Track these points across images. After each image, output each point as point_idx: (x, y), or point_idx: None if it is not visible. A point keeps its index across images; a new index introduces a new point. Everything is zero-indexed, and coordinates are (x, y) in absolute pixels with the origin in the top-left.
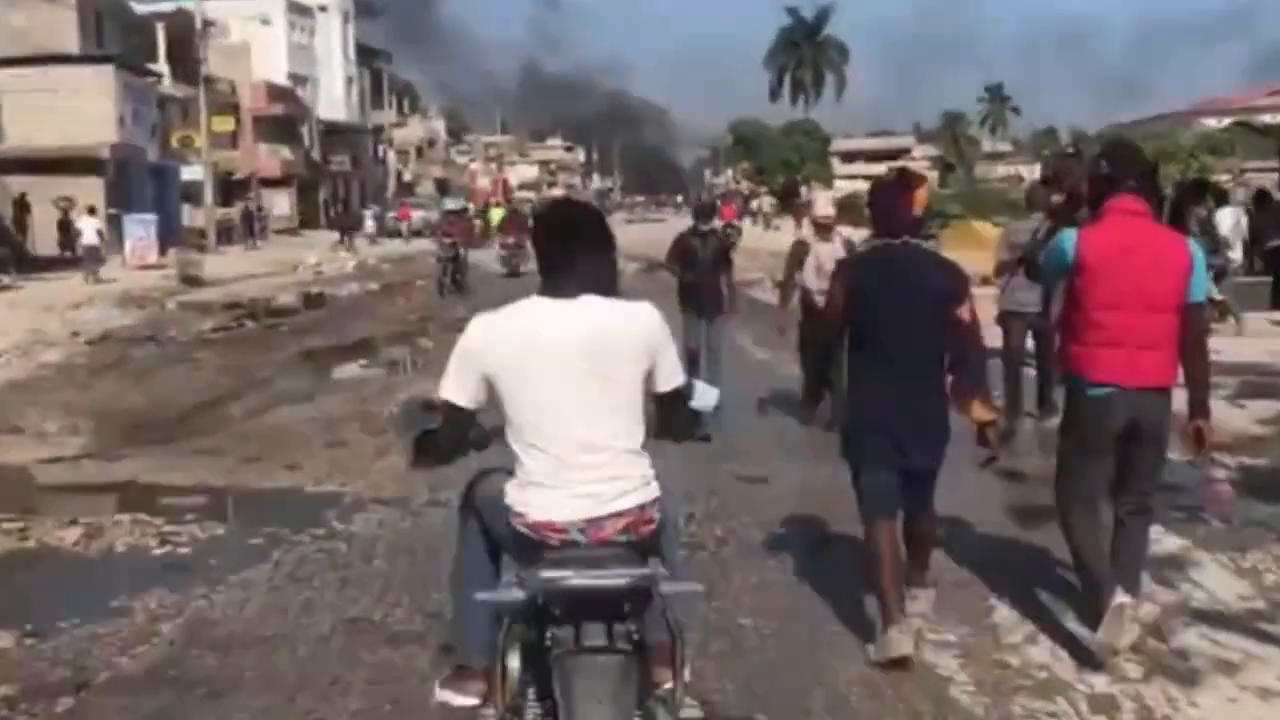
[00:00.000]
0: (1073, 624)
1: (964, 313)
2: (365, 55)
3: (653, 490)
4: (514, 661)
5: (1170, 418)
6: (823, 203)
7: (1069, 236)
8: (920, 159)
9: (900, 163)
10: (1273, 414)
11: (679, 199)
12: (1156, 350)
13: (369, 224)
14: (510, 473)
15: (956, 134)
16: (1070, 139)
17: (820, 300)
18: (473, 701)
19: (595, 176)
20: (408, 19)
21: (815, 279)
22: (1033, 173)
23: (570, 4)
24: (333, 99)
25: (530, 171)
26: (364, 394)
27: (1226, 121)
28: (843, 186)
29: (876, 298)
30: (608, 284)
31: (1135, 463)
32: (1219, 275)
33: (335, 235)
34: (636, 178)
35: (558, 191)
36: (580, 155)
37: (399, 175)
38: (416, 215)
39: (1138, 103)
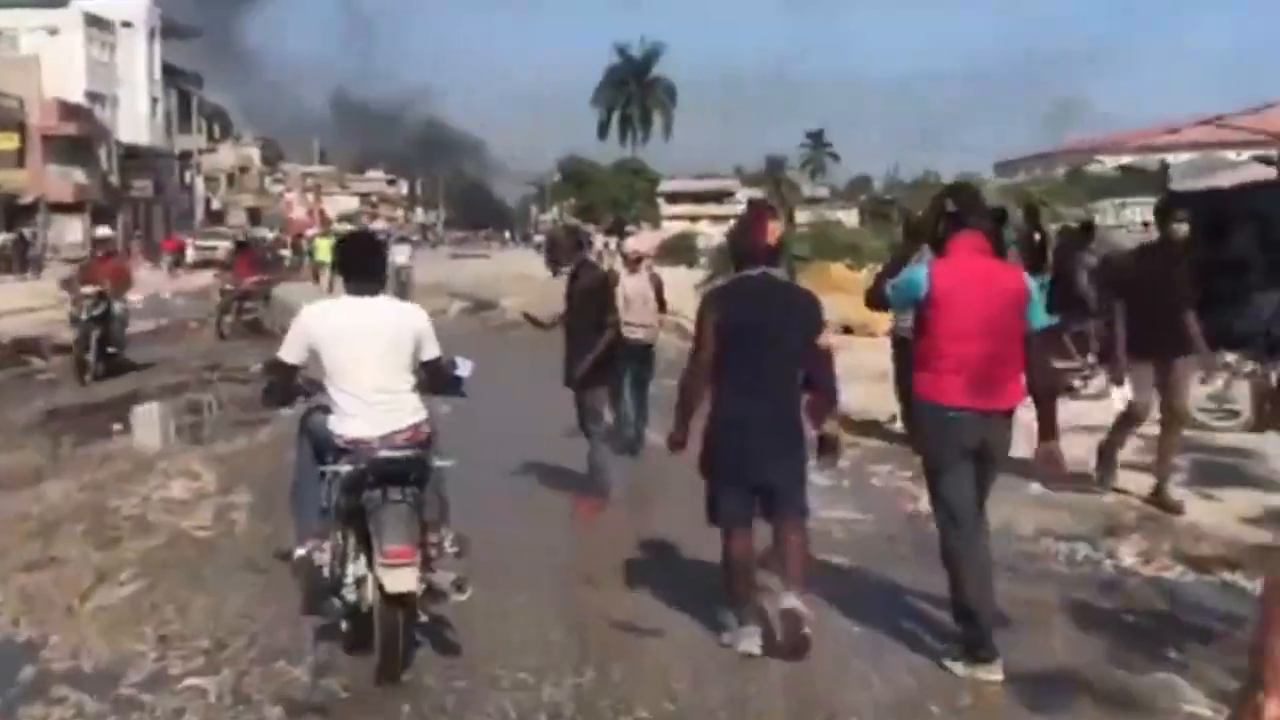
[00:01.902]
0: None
1: (823, 341)
2: (173, 76)
3: (423, 414)
4: (339, 520)
5: (1013, 437)
6: (632, 241)
7: (920, 270)
8: (743, 203)
9: (724, 205)
10: (1259, 509)
11: (505, 234)
12: (1000, 376)
13: (165, 258)
14: (328, 410)
15: (778, 178)
16: (884, 186)
17: (626, 330)
18: (311, 543)
19: (419, 210)
20: (219, 42)
21: (623, 310)
22: (850, 218)
23: (389, 35)
24: (135, 120)
25: (350, 203)
26: (106, 477)
27: (1123, 160)
28: (669, 227)
29: (742, 326)
30: (382, 286)
31: (978, 479)
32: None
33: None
34: (461, 213)
35: (379, 224)
36: (403, 188)
37: (208, 203)
38: (221, 246)
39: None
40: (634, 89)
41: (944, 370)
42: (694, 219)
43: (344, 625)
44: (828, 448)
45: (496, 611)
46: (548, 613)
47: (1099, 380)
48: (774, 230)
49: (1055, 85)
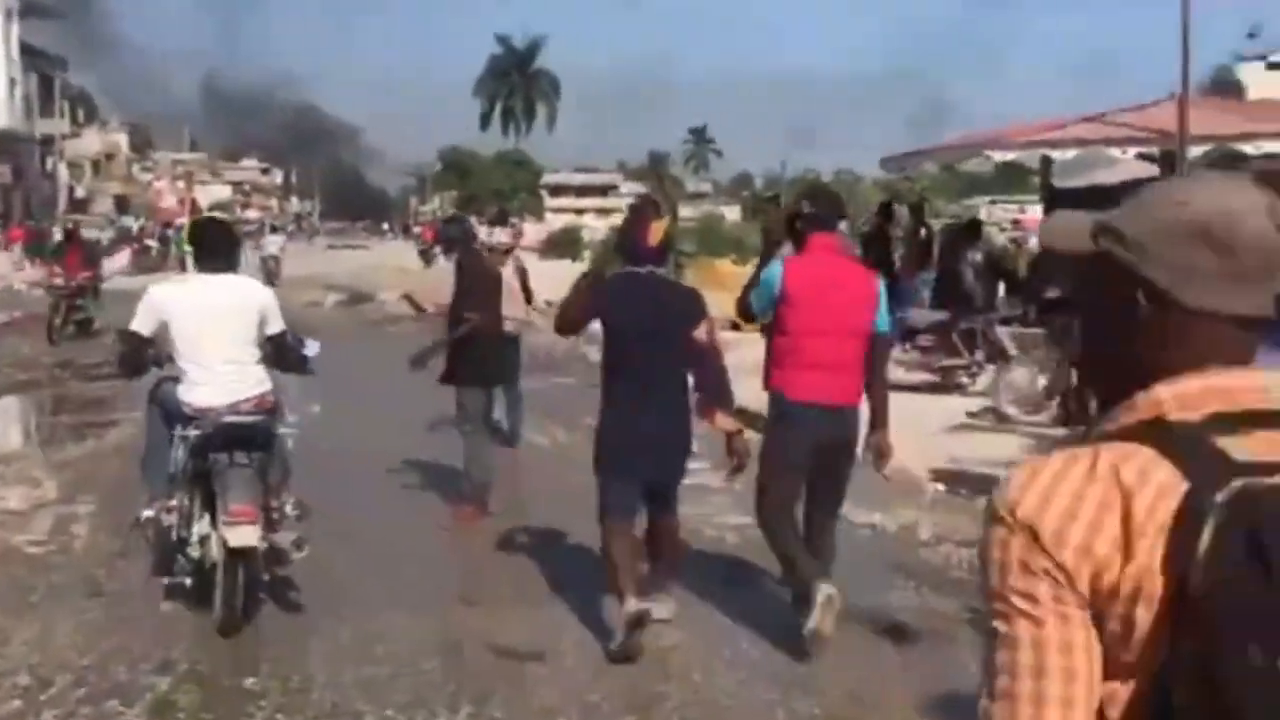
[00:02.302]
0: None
1: (701, 334)
2: (33, 58)
3: (268, 384)
4: (186, 482)
5: (859, 433)
6: (498, 233)
7: (775, 269)
8: (627, 196)
9: (608, 199)
10: None
11: (384, 226)
12: (848, 373)
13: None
14: (177, 380)
15: (661, 173)
16: (765, 183)
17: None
18: (158, 505)
19: (294, 200)
20: (84, 23)
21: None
22: (733, 213)
23: (262, 17)
24: None
25: (223, 192)
26: None
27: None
28: (553, 220)
29: (624, 320)
30: (235, 266)
31: (831, 471)
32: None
33: None
34: (338, 203)
35: (252, 214)
36: (278, 178)
37: (71, 190)
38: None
39: (823, 151)
40: (517, 80)
41: (795, 365)
42: (578, 212)
43: (188, 582)
44: (734, 450)
45: (363, 637)
46: (421, 638)
47: (985, 377)
48: (658, 229)
49: (928, 85)
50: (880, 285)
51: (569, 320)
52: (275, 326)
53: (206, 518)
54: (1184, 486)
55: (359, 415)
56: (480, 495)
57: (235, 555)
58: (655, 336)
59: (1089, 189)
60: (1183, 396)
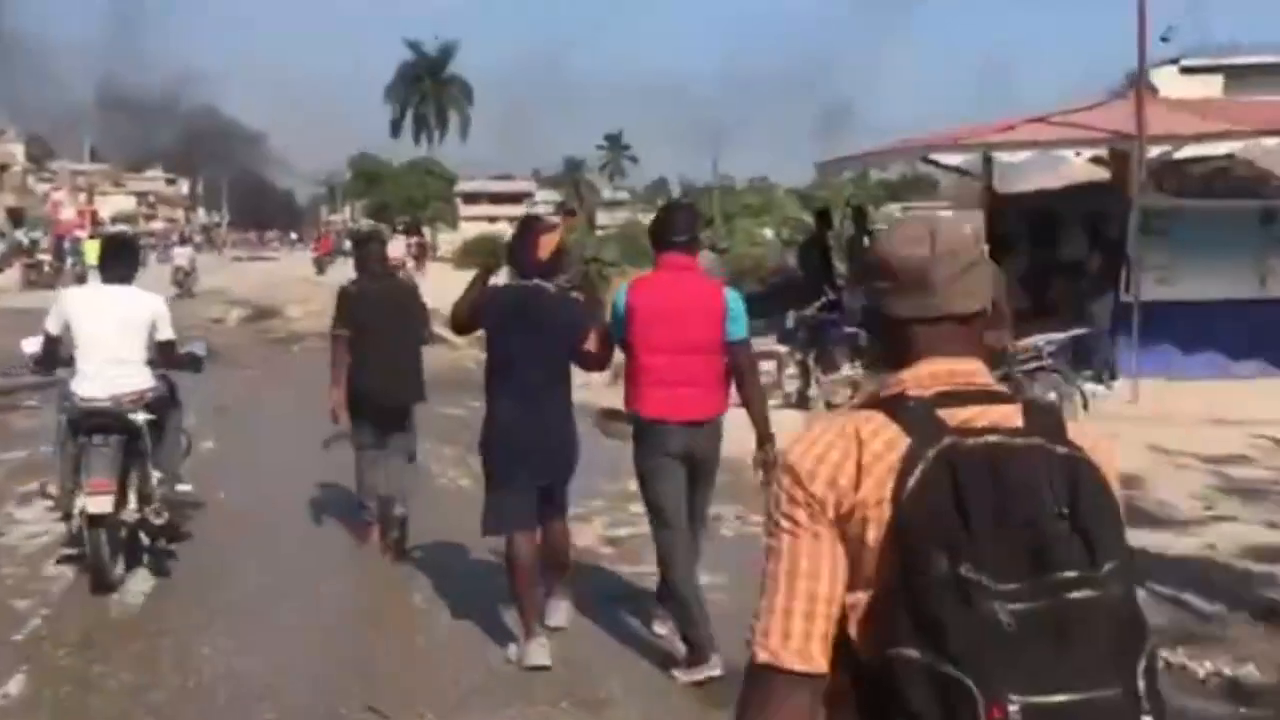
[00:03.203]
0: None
1: (591, 343)
2: None
3: (150, 381)
4: (69, 461)
5: (720, 446)
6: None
7: (621, 291)
8: (542, 203)
9: (523, 206)
10: None
11: (293, 235)
12: (700, 387)
13: None
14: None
15: (577, 180)
16: (681, 190)
17: None
18: (55, 491)
19: (200, 211)
20: None
21: None
22: (648, 219)
23: (160, 20)
24: None
25: (126, 203)
26: None
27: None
28: (467, 228)
29: (506, 331)
30: (130, 277)
31: (695, 483)
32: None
33: None
34: (247, 212)
35: (157, 225)
36: (184, 188)
37: None
38: None
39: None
40: (428, 86)
41: (644, 384)
42: (492, 220)
43: (75, 550)
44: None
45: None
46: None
47: None
48: (548, 243)
49: (834, 89)
50: (729, 297)
51: (460, 321)
52: (165, 334)
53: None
54: (907, 441)
55: (263, 445)
56: (375, 513)
57: (94, 522)
58: (536, 343)
59: (1033, 193)
60: (916, 378)
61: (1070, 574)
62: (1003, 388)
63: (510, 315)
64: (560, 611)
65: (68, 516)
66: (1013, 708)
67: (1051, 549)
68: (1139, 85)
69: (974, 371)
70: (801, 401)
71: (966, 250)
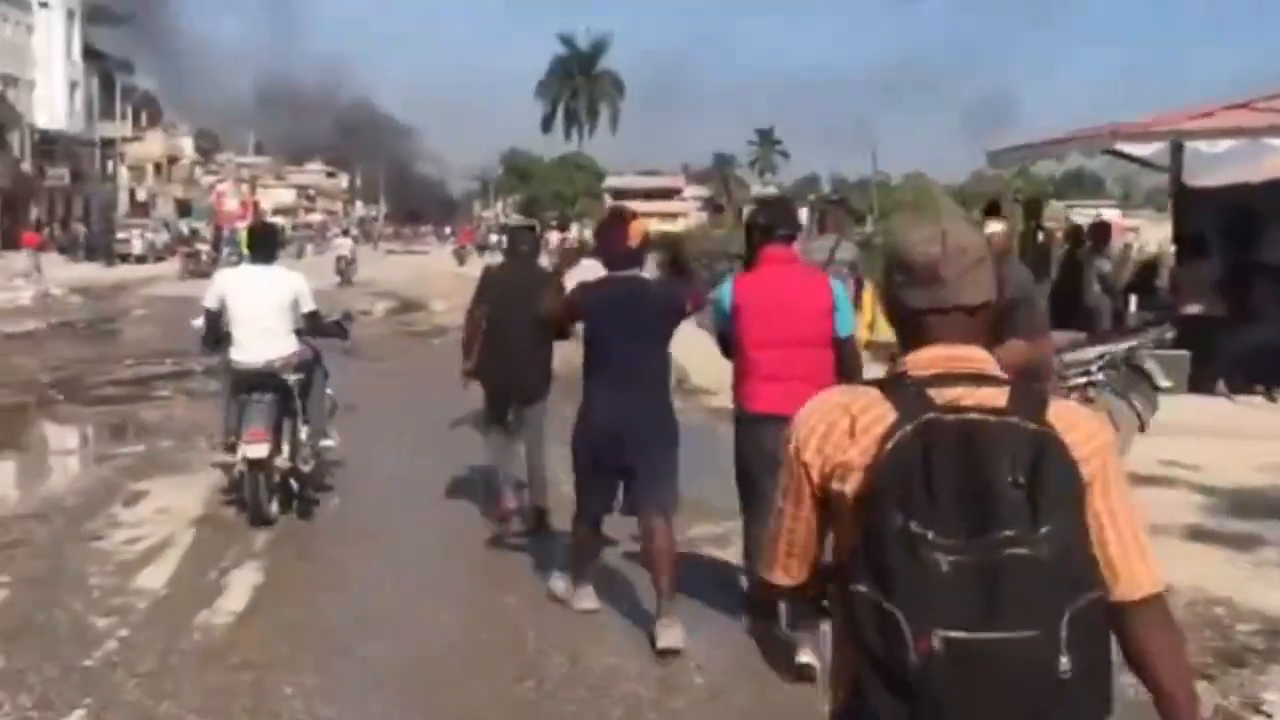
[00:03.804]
0: None
1: (691, 306)
2: (96, 60)
3: (297, 346)
4: (234, 415)
5: None
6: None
7: (727, 286)
8: (690, 199)
9: (672, 203)
10: None
11: (446, 230)
12: (809, 382)
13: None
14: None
15: (726, 175)
16: (832, 186)
17: None
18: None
19: (359, 204)
20: (151, 27)
21: None
22: (801, 216)
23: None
24: (52, 105)
25: (286, 195)
26: None
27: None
28: None
29: (602, 319)
30: (274, 258)
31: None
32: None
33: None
34: (403, 206)
35: (315, 217)
36: (343, 182)
37: (132, 193)
38: (141, 240)
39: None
40: (580, 81)
41: (753, 378)
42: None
43: (234, 496)
44: None
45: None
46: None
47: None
48: (636, 232)
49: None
50: (835, 290)
51: (552, 318)
52: (308, 306)
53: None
54: (894, 416)
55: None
56: (512, 495)
57: (252, 466)
58: (631, 329)
59: (1230, 188)
60: (917, 362)
61: (1009, 533)
62: (997, 372)
63: (607, 303)
64: (670, 633)
65: (229, 466)
66: (936, 641)
67: (998, 512)
68: None
69: (972, 357)
70: None
71: (974, 248)
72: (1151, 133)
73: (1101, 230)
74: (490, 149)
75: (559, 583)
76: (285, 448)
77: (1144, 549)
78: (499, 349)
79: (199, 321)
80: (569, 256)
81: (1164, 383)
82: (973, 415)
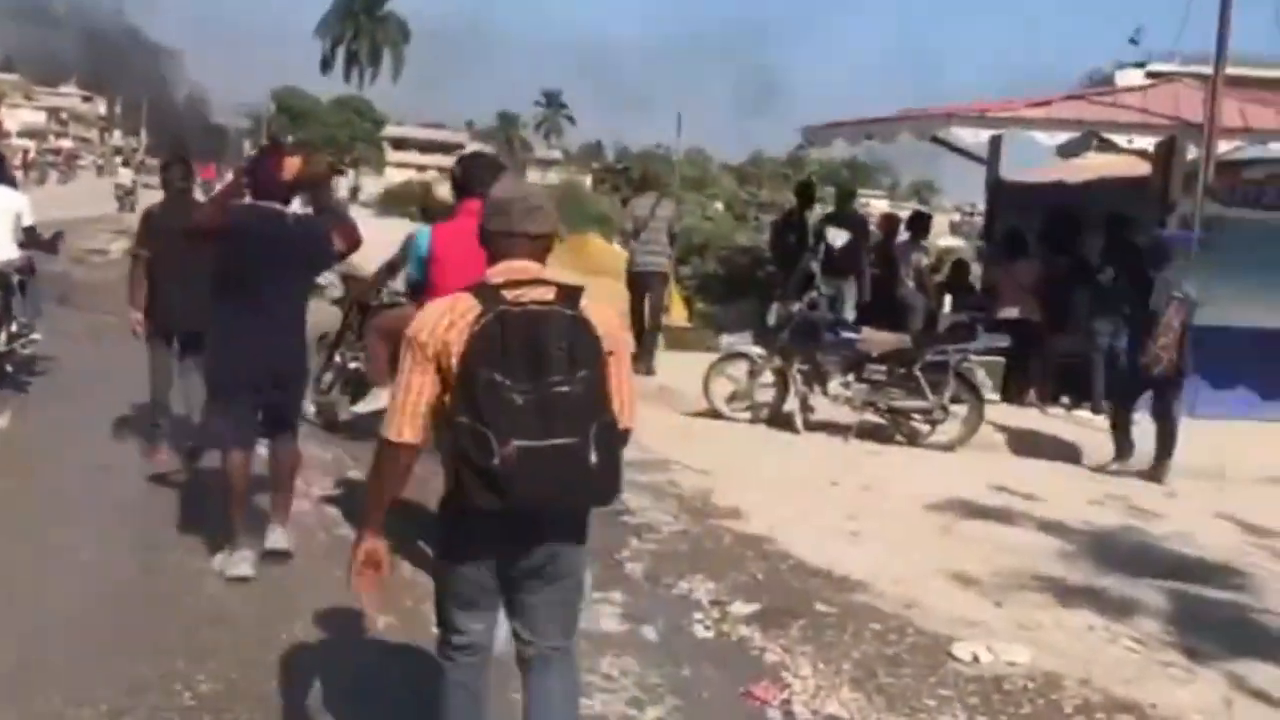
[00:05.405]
0: None
1: (339, 243)
2: None
3: (18, 253)
4: None
5: None
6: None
7: (424, 234)
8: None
9: (453, 157)
10: None
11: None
12: None
13: None
14: None
15: (511, 136)
16: (615, 154)
17: None
18: None
19: (117, 133)
20: None
21: None
22: (585, 182)
23: None
24: None
25: (37, 118)
26: None
27: None
28: (393, 174)
29: (243, 243)
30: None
31: None
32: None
33: None
34: (167, 139)
35: (66, 143)
36: (101, 107)
37: None
38: None
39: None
40: (363, 21)
41: None
42: (420, 169)
43: None
44: None
45: None
46: None
47: (954, 424)
48: (291, 167)
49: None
50: None
51: (200, 229)
52: (28, 221)
53: None
54: (479, 308)
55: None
56: (166, 431)
57: None
58: (271, 265)
59: (1046, 186)
60: (493, 273)
61: (557, 378)
62: (549, 277)
63: (246, 233)
64: (280, 535)
65: None
66: (512, 449)
67: (550, 365)
68: (1217, 67)
69: (529, 268)
70: (776, 418)
71: (535, 198)
72: (986, 119)
73: (921, 221)
74: (264, 86)
75: (219, 556)
76: (3, 335)
77: (632, 403)
78: (165, 287)
79: None
80: (230, 188)
81: (991, 396)
82: (533, 307)
